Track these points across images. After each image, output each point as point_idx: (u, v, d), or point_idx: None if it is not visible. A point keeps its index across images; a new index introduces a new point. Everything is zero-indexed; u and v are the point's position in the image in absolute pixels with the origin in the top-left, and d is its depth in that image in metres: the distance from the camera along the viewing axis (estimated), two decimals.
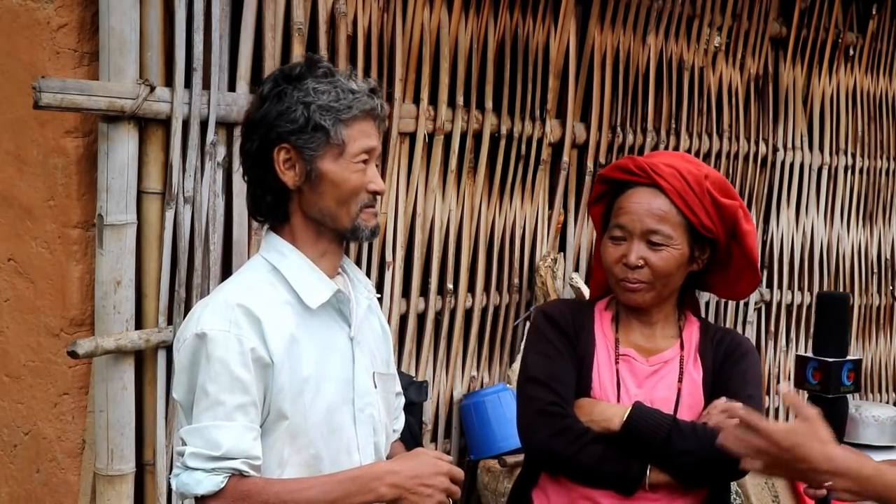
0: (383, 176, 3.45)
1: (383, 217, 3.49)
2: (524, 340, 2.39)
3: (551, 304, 2.51)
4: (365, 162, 1.92)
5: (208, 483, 1.83)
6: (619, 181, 2.24)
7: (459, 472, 1.94)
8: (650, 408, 2.14)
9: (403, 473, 1.87)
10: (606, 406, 2.14)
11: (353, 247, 3.27)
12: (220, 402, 1.85)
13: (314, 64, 1.95)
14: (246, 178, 2.03)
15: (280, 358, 1.89)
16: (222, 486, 1.83)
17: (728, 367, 2.21)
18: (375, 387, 2.01)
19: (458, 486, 1.93)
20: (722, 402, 2.08)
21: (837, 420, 1.95)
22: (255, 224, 3.05)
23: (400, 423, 2.20)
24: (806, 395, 1.99)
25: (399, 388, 2.19)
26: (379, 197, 1.99)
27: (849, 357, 2.06)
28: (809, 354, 2.01)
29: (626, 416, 2.11)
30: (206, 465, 1.84)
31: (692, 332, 2.27)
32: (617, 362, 2.20)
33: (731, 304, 4.71)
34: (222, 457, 1.84)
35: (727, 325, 4.60)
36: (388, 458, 2.07)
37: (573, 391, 2.19)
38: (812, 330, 2.06)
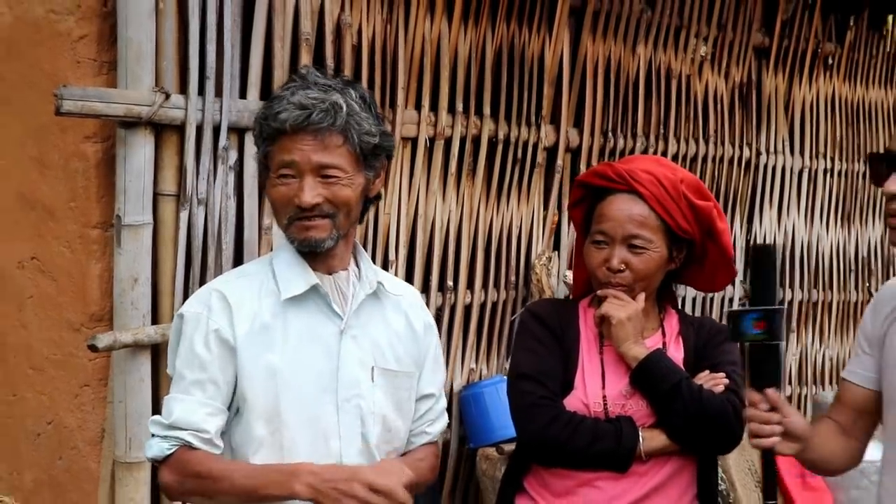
0: (386, 180, 3.44)
1: (386, 218, 3.49)
2: (514, 337, 2.38)
3: (538, 304, 2.51)
4: (291, 176, 1.85)
5: (157, 448, 1.86)
6: (598, 187, 2.23)
7: (386, 486, 1.83)
8: (668, 357, 2.16)
9: (322, 476, 1.82)
10: (632, 345, 2.15)
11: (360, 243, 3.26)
12: (182, 377, 1.88)
13: (292, 76, 1.93)
14: None
15: (244, 342, 1.88)
16: (168, 453, 1.85)
17: (710, 348, 2.23)
18: (373, 381, 1.96)
19: (381, 499, 1.83)
20: (706, 373, 2.15)
21: (777, 366, 1.97)
22: (265, 224, 3.06)
23: (434, 427, 2.10)
24: (747, 347, 1.99)
25: (428, 390, 2.08)
26: (315, 207, 1.85)
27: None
28: (745, 307, 1.99)
29: (647, 354, 2.13)
30: (160, 432, 1.87)
31: (672, 322, 2.28)
32: (601, 352, 2.20)
33: (716, 299, 4.72)
34: (172, 426, 1.86)
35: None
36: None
37: (560, 384, 2.18)
38: (748, 283, 2.04)
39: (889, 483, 1.97)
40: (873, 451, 2.11)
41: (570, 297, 2.43)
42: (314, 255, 1.93)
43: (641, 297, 2.19)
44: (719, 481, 3.89)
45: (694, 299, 4.57)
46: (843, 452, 2.08)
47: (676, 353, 2.22)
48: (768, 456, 1.93)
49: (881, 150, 1.86)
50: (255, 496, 1.85)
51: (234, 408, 1.91)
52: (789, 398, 5.12)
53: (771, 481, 1.95)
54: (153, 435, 1.89)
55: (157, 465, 1.90)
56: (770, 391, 1.90)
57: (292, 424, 1.90)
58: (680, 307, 2.39)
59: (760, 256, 1.99)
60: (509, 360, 2.36)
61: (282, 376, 1.89)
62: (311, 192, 1.84)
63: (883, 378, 1.99)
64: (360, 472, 1.83)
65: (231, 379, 1.89)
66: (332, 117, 1.83)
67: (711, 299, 4.69)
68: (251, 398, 1.89)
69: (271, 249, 2.88)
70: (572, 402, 2.16)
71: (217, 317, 1.88)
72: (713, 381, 2.14)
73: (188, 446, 1.85)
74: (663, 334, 2.25)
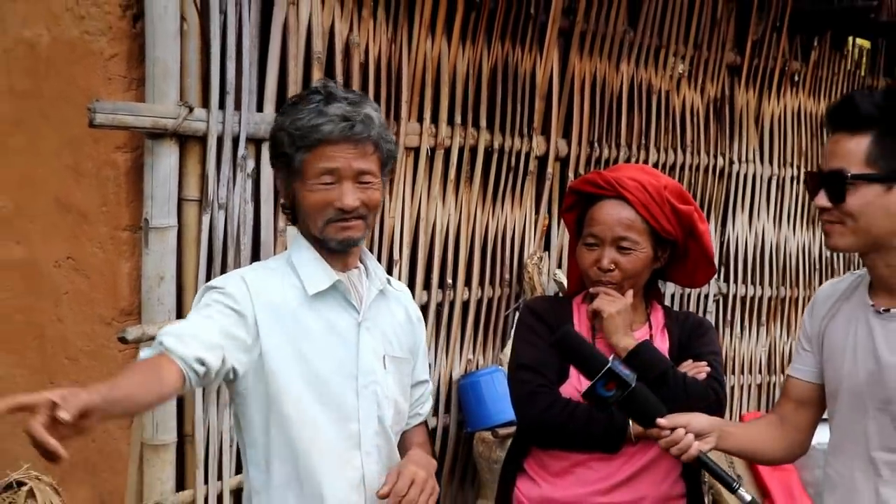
0: (390, 186, 3.49)
1: (391, 221, 3.48)
2: (513, 331, 2.41)
3: (536, 301, 2.50)
4: (328, 183, 1.86)
5: (143, 354, 1.75)
6: (589, 194, 2.24)
7: (434, 486, 1.87)
8: (655, 347, 2.17)
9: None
10: (622, 336, 2.15)
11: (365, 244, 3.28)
12: (207, 304, 1.83)
13: (313, 90, 1.91)
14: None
15: (268, 329, 1.85)
16: (148, 357, 1.73)
17: (694, 339, 2.24)
18: (385, 367, 1.98)
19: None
20: (689, 362, 2.17)
21: (648, 400, 1.96)
22: (279, 226, 3.06)
23: (424, 408, 2.14)
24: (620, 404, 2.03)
25: (424, 377, 2.13)
26: (354, 210, 1.87)
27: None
28: (586, 384, 1.97)
29: (636, 345, 2.13)
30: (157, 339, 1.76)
31: (658, 316, 2.29)
32: (593, 342, 2.18)
33: (693, 296, 4.71)
34: (164, 332, 1.75)
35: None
36: (402, 441, 2.04)
37: (556, 373, 2.20)
38: (575, 364, 2.05)
39: (834, 464, 1.99)
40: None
41: (562, 293, 2.44)
42: (334, 254, 1.94)
43: (630, 293, 2.19)
44: None
45: (673, 295, 4.58)
46: (783, 442, 2.10)
47: (662, 344, 2.24)
48: (700, 460, 1.98)
49: (815, 169, 1.92)
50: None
51: (254, 384, 1.87)
52: (759, 386, 5.15)
53: (720, 476, 1.98)
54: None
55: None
56: (660, 421, 1.95)
57: (318, 408, 1.90)
58: (663, 302, 2.40)
59: (561, 344, 2.00)
60: (509, 353, 2.38)
61: (311, 364, 1.89)
62: (352, 196, 1.86)
63: (825, 372, 2.01)
64: (420, 475, 1.85)
65: (232, 344, 1.80)
66: (369, 128, 1.86)
67: (689, 295, 4.70)
68: (283, 382, 1.87)
69: (285, 249, 2.89)
70: (567, 390, 2.18)
71: (239, 295, 1.85)
72: (696, 370, 2.16)
73: (166, 353, 1.69)
74: (650, 327, 2.26)
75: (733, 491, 1.98)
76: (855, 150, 1.80)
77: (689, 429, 1.97)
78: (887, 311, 1.88)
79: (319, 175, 1.85)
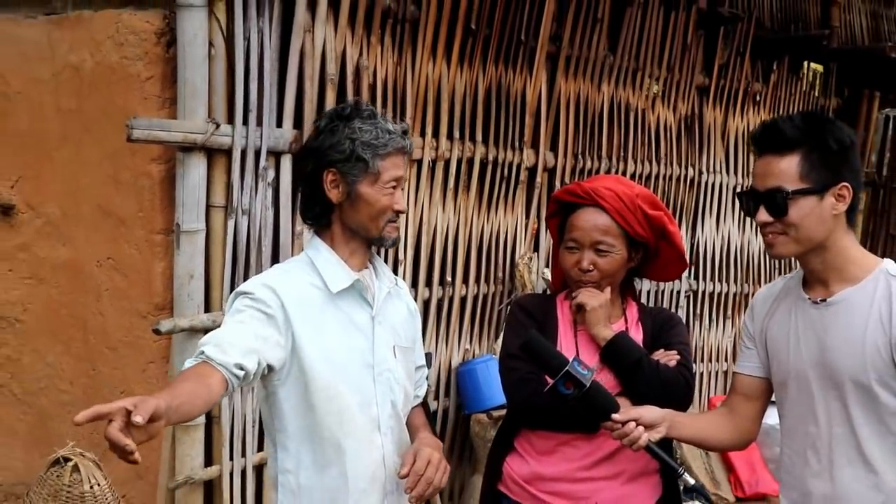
0: None
1: None
2: (504, 324, 2.35)
3: (524, 297, 2.47)
4: (393, 188, 1.90)
5: (186, 363, 1.71)
6: (570, 202, 2.21)
7: (446, 465, 1.87)
8: (631, 338, 2.16)
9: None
10: (602, 328, 2.14)
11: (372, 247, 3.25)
12: (239, 311, 1.80)
13: (360, 107, 1.92)
14: (300, 191, 1.98)
15: (299, 326, 1.82)
16: (190, 365, 1.70)
17: (665, 331, 2.22)
18: (395, 357, 1.97)
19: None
20: (661, 351, 2.16)
21: (605, 397, 1.96)
22: (297, 230, 3.04)
23: (422, 390, 2.14)
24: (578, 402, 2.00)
25: (421, 362, 2.13)
26: (402, 214, 1.95)
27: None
28: (549, 382, 1.99)
29: (614, 335, 2.13)
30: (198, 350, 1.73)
31: (633, 311, 2.26)
32: (575, 336, 2.18)
33: (667, 291, 4.71)
34: (205, 342, 1.73)
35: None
36: (407, 421, 2.02)
37: None
38: (539, 365, 2.03)
39: (790, 445, 1.99)
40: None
41: (550, 290, 2.40)
42: (353, 255, 1.92)
43: (608, 290, 2.17)
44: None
45: (649, 291, 4.55)
46: (733, 431, 2.10)
47: (637, 335, 2.21)
48: (648, 448, 1.96)
49: (746, 188, 1.94)
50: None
51: (287, 376, 1.84)
52: (725, 372, 5.12)
53: (665, 462, 1.98)
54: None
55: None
56: (615, 416, 1.96)
57: (345, 393, 1.88)
58: (638, 298, 2.37)
59: (526, 348, 2.00)
60: (500, 343, 2.32)
61: (336, 355, 1.87)
62: (403, 201, 1.92)
63: (771, 365, 2.01)
64: (435, 456, 1.86)
65: (265, 345, 1.77)
66: (411, 144, 1.96)
67: (663, 291, 4.69)
68: (313, 372, 1.84)
69: (301, 250, 2.86)
70: None
71: (268, 299, 1.81)
72: (667, 358, 2.14)
73: (206, 361, 1.68)
74: (626, 320, 2.23)
75: (678, 476, 2.00)
76: (788, 169, 1.84)
77: (640, 421, 1.98)
78: (823, 300, 1.90)
79: (389, 181, 1.88)
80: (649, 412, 1.99)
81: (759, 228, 1.92)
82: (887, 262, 1.89)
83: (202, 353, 1.69)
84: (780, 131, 1.85)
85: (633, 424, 1.95)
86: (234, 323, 1.78)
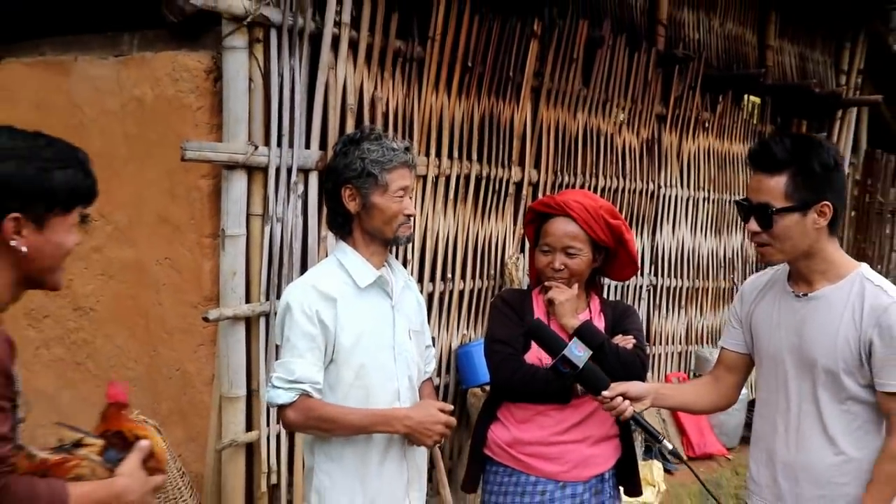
0: None
1: None
2: (489, 313, 2.39)
3: (505, 292, 2.43)
4: (402, 196, 1.90)
5: (285, 396, 1.83)
6: (544, 213, 2.22)
7: (452, 420, 1.93)
8: (595, 326, 2.16)
9: (415, 419, 1.88)
10: (570, 318, 2.13)
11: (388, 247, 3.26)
12: (294, 346, 1.86)
13: (368, 131, 1.94)
14: (326, 206, 2.02)
15: (338, 322, 1.87)
16: (293, 400, 1.83)
17: (622, 320, 2.23)
18: (410, 339, 2.00)
19: (450, 430, 1.94)
20: (620, 336, 2.17)
21: (596, 378, 1.97)
22: (322, 235, 3.04)
23: (431, 366, 2.14)
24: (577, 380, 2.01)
25: (430, 342, 2.14)
26: (412, 217, 1.96)
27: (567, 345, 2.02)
28: (545, 356, 2.02)
29: (580, 324, 2.12)
30: (284, 385, 1.83)
31: (596, 303, 2.27)
32: (548, 324, 2.16)
33: (630, 285, 4.70)
34: (295, 381, 1.83)
35: (626, 301, 4.61)
36: (419, 391, 2.04)
37: (521, 346, 2.18)
38: (543, 347, 2.07)
39: (763, 415, 1.98)
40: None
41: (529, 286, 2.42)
42: (374, 255, 1.94)
43: (575, 286, 2.18)
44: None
45: (617, 287, 4.54)
46: (716, 397, 2.10)
47: (599, 324, 2.21)
48: (634, 419, 1.97)
49: (741, 197, 1.91)
50: (364, 432, 1.87)
51: (328, 361, 1.90)
52: (679, 354, 5.11)
53: (648, 431, 1.98)
54: (276, 387, 1.84)
55: (279, 408, 1.86)
56: (604, 393, 1.96)
57: (371, 372, 1.91)
58: (601, 293, 2.37)
59: (532, 333, 2.01)
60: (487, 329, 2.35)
61: (366, 339, 1.90)
62: (412, 205, 1.95)
63: (754, 344, 1.99)
64: (439, 416, 1.90)
65: (324, 345, 1.87)
66: (414, 158, 1.99)
67: (628, 286, 4.68)
68: (347, 357, 1.88)
69: (326, 254, 2.84)
70: (530, 357, 2.15)
71: (316, 303, 1.86)
72: (625, 341, 2.15)
73: (307, 395, 1.83)
74: (590, 312, 2.23)
75: (658, 442, 2.00)
76: (775, 188, 1.78)
77: (627, 395, 1.96)
78: (805, 295, 1.88)
79: (397, 190, 1.90)
80: (635, 387, 1.98)
81: (749, 236, 1.87)
82: (864, 266, 1.85)
83: (302, 391, 1.85)
84: (771, 153, 1.78)
85: (620, 398, 1.94)
86: (295, 356, 1.86)
